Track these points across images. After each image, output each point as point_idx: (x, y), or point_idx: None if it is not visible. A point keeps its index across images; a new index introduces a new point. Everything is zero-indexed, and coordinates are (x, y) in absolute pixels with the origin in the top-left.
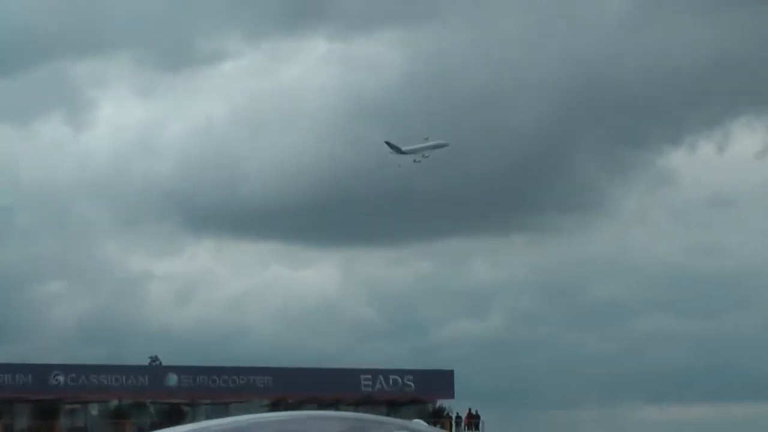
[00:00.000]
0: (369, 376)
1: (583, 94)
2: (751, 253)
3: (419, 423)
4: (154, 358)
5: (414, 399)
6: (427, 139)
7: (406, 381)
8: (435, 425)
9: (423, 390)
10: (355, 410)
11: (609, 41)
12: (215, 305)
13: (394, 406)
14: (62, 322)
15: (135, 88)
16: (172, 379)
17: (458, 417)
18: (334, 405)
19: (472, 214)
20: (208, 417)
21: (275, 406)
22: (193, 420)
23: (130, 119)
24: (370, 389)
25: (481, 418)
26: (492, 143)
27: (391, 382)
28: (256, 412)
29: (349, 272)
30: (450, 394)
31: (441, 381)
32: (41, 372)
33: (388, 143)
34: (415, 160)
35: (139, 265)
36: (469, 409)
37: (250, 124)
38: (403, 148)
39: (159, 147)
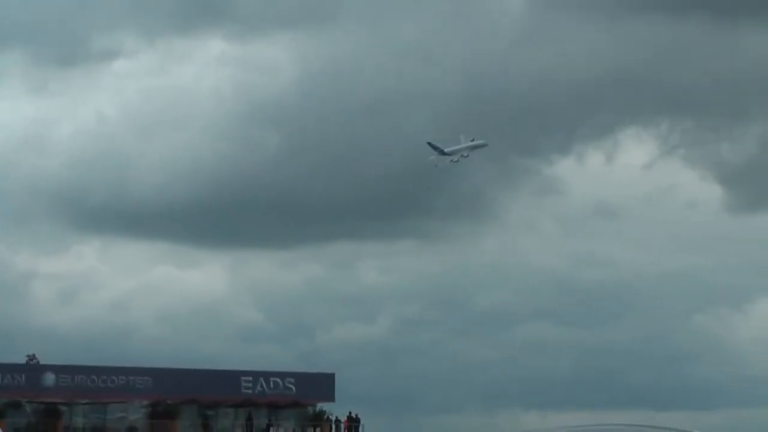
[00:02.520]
0: (249, 378)
1: (477, 103)
2: (633, 264)
3: None
4: (32, 357)
5: (294, 402)
6: (473, 140)
7: (287, 383)
8: (314, 428)
9: (304, 393)
10: (235, 412)
11: (506, 51)
12: (99, 305)
13: (274, 408)
14: None
15: (25, 84)
16: (49, 379)
17: (337, 420)
18: (213, 407)
19: (362, 218)
20: (85, 416)
21: (154, 407)
22: (70, 419)
23: (19, 116)
24: (250, 391)
25: (361, 421)
26: (384, 149)
27: (272, 384)
28: (135, 413)
29: (237, 274)
30: (330, 397)
31: (322, 384)
32: None
33: (430, 144)
34: (452, 161)
35: (24, 264)
36: (349, 413)
37: (142, 124)
38: (446, 150)
39: (49, 145)
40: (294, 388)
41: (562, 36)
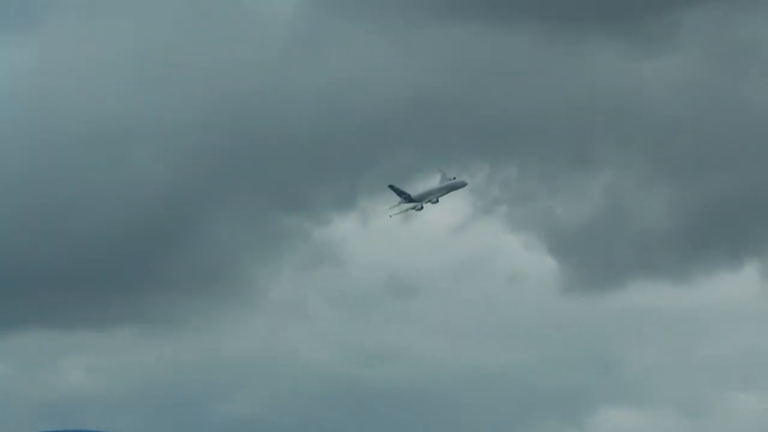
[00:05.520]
0: None
1: (228, 140)
2: (434, 359)
3: None
4: None
5: None
6: (454, 178)
7: None
8: None
9: None
10: None
11: (272, 68)
12: None
13: None
14: None
15: None
16: None
17: None
18: None
19: (64, 296)
20: None
21: None
22: None
23: None
24: None
25: None
26: (98, 201)
27: None
28: None
29: None
30: None
31: None
32: None
33: (393, 188)
34: (417, 208)
35: None
36: None
37: None
38: (414, 194)
39: None
40: None
41: (347, 51)
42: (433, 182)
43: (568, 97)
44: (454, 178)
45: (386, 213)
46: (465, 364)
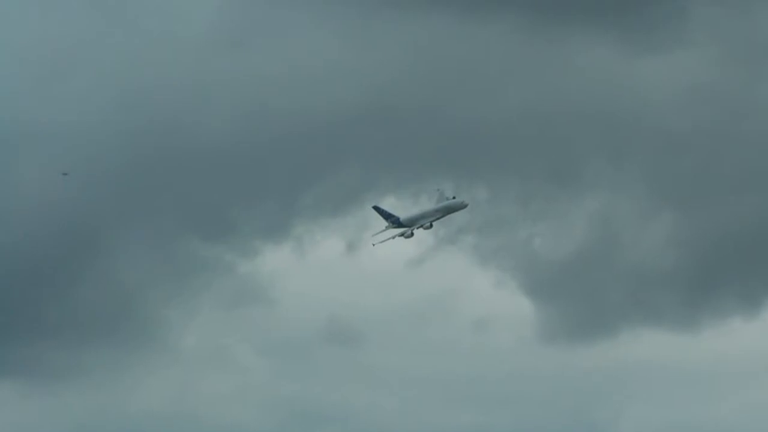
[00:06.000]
0: None
1: (139, 151)
2: (382, 417)
3: None
4: None
5: None
6: (453, 197)
7: None
8: None
9: None
10: None
11: (188, 73)
12: None
13: None
14: None
15: None
16: None
17: None
18: None
19: None
20: None
21: None
22: None
23: None
24: None
25: None
26: None
27: None
28: None
29: None
30: None
31: None
32: None
33: (377, 209)
34: (405, 236)
35: None
36: None
37: None
38: (402, 218)
39: None
40: None
41: (286, 42)
42: (428, 203)
43: (551, 103)
44: (454, 197)
45: (370, 240)
46: (420, 426)
